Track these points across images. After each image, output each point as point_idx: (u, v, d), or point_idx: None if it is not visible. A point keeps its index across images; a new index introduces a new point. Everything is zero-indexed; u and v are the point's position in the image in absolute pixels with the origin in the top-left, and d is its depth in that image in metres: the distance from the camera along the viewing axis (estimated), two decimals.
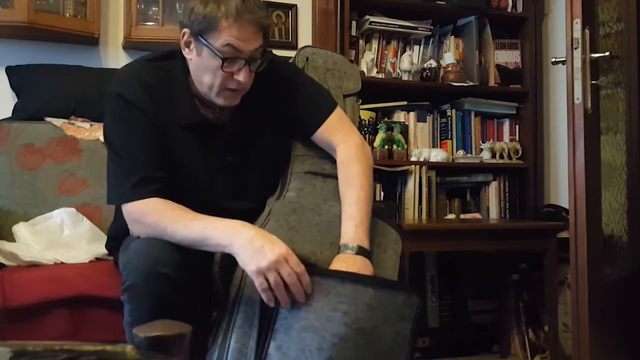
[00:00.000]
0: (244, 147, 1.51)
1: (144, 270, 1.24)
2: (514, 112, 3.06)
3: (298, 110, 1.55)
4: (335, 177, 1.52)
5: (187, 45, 1.42)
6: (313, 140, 1.56)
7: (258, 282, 1.23)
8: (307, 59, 1.73)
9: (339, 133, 1.54)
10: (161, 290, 1.23)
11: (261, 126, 1.53)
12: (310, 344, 1.20)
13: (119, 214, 1.47)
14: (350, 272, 1.28)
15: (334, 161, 1.54)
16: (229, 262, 1.30)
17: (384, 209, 2.59)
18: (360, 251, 1.35)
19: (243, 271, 1.31)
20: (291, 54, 1.84)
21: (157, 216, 1.33)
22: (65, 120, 2.28)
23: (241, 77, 1.38)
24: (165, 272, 1.24)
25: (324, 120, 1.54)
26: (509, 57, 3.07)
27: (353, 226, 1.38)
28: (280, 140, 1.57)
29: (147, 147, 1.38)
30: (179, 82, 1.45)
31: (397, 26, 2.88)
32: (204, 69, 1.40)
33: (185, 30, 1.40)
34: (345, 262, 1.31)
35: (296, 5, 2.83)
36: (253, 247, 1.23)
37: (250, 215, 1.44)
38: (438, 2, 2.92)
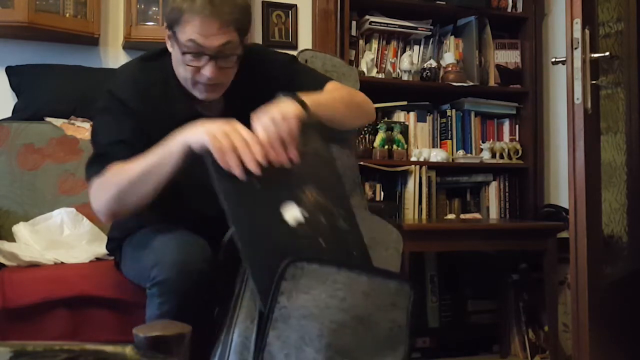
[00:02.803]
0: None
1: (178, 266, 1.26)
2: (514, 112, 3.06)
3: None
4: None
5: (169, 38, 1.41)
6: None
7: (211, 144, 1.16)
8: (306, 62, 1.74)
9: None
10: (193, 286, 1.26)
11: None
12: (310, 330, 1.21)
13: None
14: (345, 261, 1.27)
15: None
16: (234, 255, 1.31)
17: (384, 209, 2.60)
18: (298, 100, 1.26)
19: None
20: (291, 54, 1.83)
21: (114, 180, 1.30)
22: (65, 120, 2.28)
23: (207, 72, 1.34)
24: (198, 268, 1.27)
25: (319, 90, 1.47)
26: (509, 57, 3.08)
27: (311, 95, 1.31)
28: None
29: (125, 146, 1.35)
30: (171, 79, 1.44)
31: (397, 26, 2.88)
32: (177, 62, 1.39)
33: (166, 22, 1.40)
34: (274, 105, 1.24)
35: (296, 5, 2.83)
36: (204, 124, 1.21)
37: None
38: (438, 2, 2.92)
